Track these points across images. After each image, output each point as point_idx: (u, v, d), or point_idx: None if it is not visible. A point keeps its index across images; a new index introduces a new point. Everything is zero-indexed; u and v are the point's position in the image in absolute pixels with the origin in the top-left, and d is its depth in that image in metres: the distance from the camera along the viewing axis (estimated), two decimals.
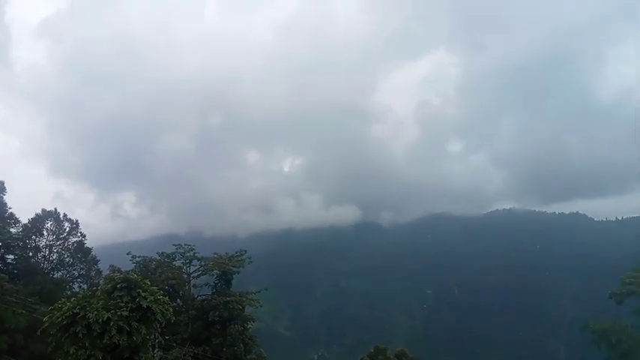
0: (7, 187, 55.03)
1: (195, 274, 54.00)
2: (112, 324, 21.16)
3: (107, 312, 21.44)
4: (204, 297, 51.45)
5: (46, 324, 21.55)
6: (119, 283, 23.18)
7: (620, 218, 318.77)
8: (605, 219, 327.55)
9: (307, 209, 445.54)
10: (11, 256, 49.98)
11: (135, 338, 21.76)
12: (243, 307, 48.55)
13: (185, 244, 55.21)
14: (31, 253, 52.11)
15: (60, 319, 20.93)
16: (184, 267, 54.14)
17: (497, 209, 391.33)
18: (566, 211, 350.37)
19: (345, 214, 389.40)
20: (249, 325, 48.91)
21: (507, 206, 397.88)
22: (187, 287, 53.15)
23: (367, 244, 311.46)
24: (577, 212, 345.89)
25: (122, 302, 22.31)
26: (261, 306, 52.24)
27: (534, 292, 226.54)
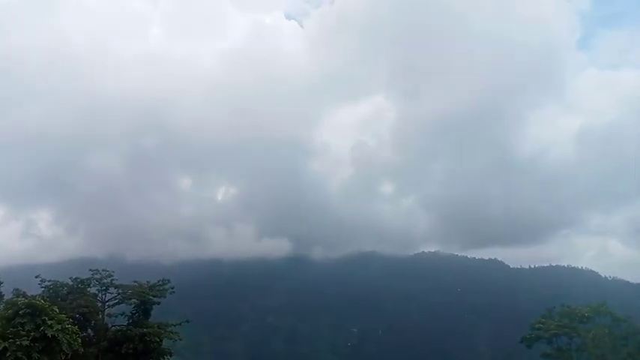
0: None
1: (112, 303, 50.87)
2: (8, 354, 19.31)
3: (4, 341, 19.57)
4: (118, 327, 48.38)
5: None
6: (22, 309, 21.39)
7: (532, 266, 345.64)
8: (519, 266, 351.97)
9: (238, 240, 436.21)
10: None
11: None
12: (161, 340, 46.10)
13: (103, 270, 52.03)
14: None
15: None
16: (100, 294, 50.89)
17: (423, 251, 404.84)
18: (485, 257, 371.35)
19: (276, 247, 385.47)
20: None
21: (433, 249, 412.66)
22: (101, 316, 49.78)
23: (296, 279, 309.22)
24: (495, 258, 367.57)
25: (24, 330, 20.48)
26: (180, 339, 49.96)
27: (453, 333, 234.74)
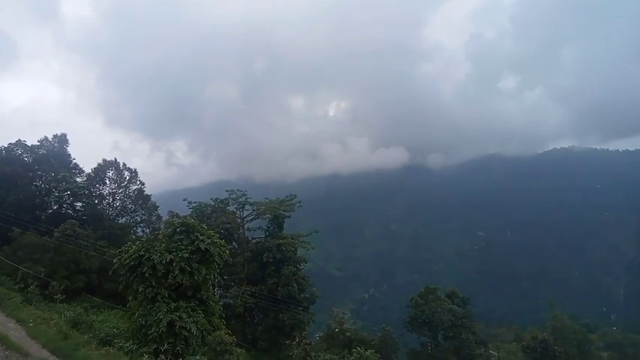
0: (69, 140, 58.07)
1: (249, 219, 55.80)
2: (174, 265, 22.30)
3: (169, 254, 22.55)
4: (257, 240, 53.28)
5: (116, 265, 23.01)
6: (178, 227, 24.14)
7: None
8: None
9: (354, 153, 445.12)
10: (79, 204, 53.44)
11: (196, 278, 22.91)
12: (295, 249, 49.98)
13: (237, 190, 56.87)
14: (96, 201, 55.40)
15: (128, 261, 22.26)
16: (238, 212, 56.00)
17: (554, 148, 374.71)
18: (631, 148, 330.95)
19: (393, 157, 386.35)
20: (302, 266, 50.46)
21: (566, 145, 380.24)
22: (241, 231, 55.18)
23: (415, 187, 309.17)
24: None
25: (182, 245, 23.33)
26: (312, 248, 53.59)
27: (591, 232, 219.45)
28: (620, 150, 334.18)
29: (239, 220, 55.26)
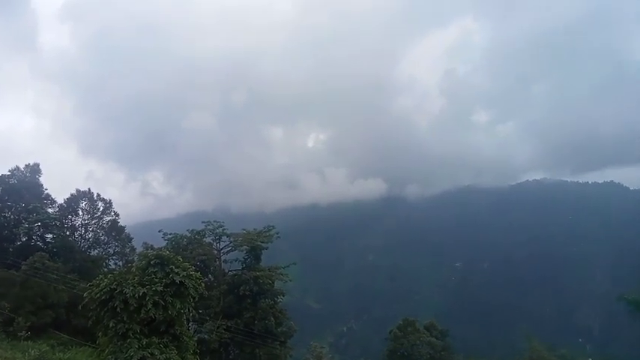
0: (41, 169, 56.89)
1: (225, 250, 54.97)
2: (147, 299, 21.81)
3: (142, 287, 22.08)
4: (234, 272, 52.43)
5: (86, 299, 22.37)
6: (152, 259, 23.75)
7: None
8: None
9: (332, 184, 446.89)
10: (50, 235, 51.96)
11: (170, 312, 22.41)
12: (273, 282, 49.33)
13: (214, 221, 56.15)
14: (68, 232, 53.95)
15: (98, 295, 21.67)
16: (214, 243, 55.15)
17: (526, 180, 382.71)
18: (600, 181, 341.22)
19: (371, 188, 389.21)
20: (279, 299, 49.73)
21: (537, 177, 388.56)
22: (218, 263, 54.25)
23: (393, 218, 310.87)
24: (611, 181, 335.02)
25: (156, 278, 22.89)
26: (290, 280, 52.96)
27: (566, 264, 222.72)
28: (590, 182, 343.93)
29: (215, 252, 54.39)
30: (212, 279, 52.26)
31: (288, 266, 54.45)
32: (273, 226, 56.10)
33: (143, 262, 24.26)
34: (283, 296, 51.12)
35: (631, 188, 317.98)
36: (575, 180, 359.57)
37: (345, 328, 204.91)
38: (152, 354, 20.32)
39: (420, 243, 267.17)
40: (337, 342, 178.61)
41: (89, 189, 56.93)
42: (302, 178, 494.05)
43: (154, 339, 21.56)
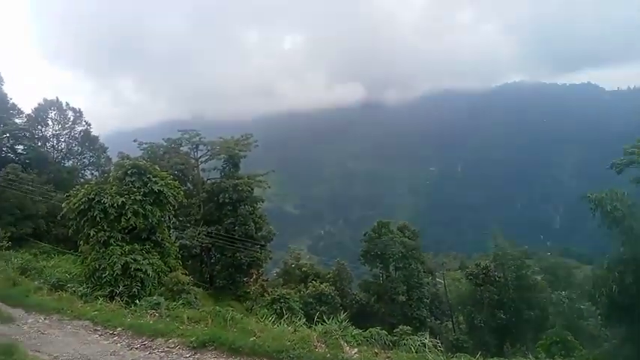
0: (4, 78, 53.73)
1: (203, 159, 54.84)
2: (127, 207, 21.96)
3: (121, 197, 22.14)
4: (213, 180, 52.79)
5: (65, 210, 22.42)
6: (129, 169, 23.53)
7: (632, 87, 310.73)
8: (617, 88, 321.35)
9: (310, 90, 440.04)
10: (20, 147, 50.63)
11: (150, 220, 22.74)
12: (252, 189, 50.05)
13: (190, 130, 55.29)
14: (39, 143, 52.61)
15: (77, 205, 21.67)
16: (191, 152, 54.82)
17: (506, 82, 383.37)
18: (577, 82, 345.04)
19: (350, 93, 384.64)
20: (259, 206, 50.77)
21: (517, 79, 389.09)
22: (196, 172, 54.37)
23: (372, 124, 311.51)
24: (588, 82, 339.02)
25: (134, 187, 22.87)
26: (269, 187, 53.86)
27: (537, 164, 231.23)
28: (567, 84, 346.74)
29: (193, 161, 54.25)
30: (191, 188, 52.72)
31: (266, 173, 55.06)
32: (251, 135, 55.70)
33: (120, 171, 24.04)
34: (262, 202, 52.19)
35: (607, 89, 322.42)
36: (554, 82, 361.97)
37: (322, 232, 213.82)
38: (135, 259, 20.92)
39: (397, 148, 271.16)
40: (315, 244, 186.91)
41: (57, 98, 54.62)
42: (279, 84, 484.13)
43: (136, 245, 22.09)
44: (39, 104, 53.36)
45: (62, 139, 54.75)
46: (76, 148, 55.17)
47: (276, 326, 11.28)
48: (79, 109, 55.37)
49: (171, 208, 24.64)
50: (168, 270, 23.40)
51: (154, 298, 15.26)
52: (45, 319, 12.44)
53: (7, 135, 48.95)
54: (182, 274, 23.72)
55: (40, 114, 53.16)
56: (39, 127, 53.36)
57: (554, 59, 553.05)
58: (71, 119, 54.58)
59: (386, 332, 12.71)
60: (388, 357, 9.19)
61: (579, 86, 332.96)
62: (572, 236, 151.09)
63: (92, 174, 54.66)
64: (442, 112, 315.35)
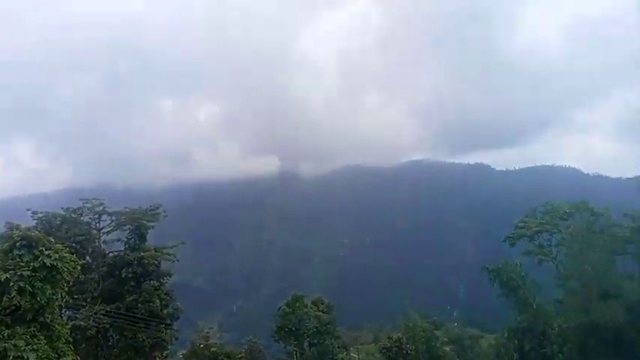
0: None
1: (107, 230, 51.10)
2: (11, 285, 19.70)
3: (5, 272, 19.86)
4: (116, 253, 49.15)
5: None
6: (18, 241, 21.46)
7: (518, 168, 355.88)
8: (505, 168, 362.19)
9: (225, 160, 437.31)
10: None
11: (39, 299, 20.46)
12: (159, 262, 47.23)
13: (93, 199, 51.76)
14: None
15: None
16: (93, 222, 50.94)
17: (408, 160, 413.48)
18: (472, 162, 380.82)
19: (264, 165, 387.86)
20: (166, 280, 47.77)
21: (419, 157, 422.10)
22: (97, 243, 50.33)
23: (287, 196, 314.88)
24: (481, 162, 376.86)
25: (22, 262, 20.72)
26: (177, 260, 51.03)
27: (441, 238, 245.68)
28: (463, 163, 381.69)
29: (95, 232, 50.30)
30: (90, 261, 48.41)
31: (175, 245, 52.30)
32: (160, 205, 53.35)
33: (6, 244, 21.78)
34: (170, 277, 49.14)
35: (497, 169, 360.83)
36: (451, 161, 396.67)
37: (234, 307, 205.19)
38: (16, 345, 18.41)
39: (311, 220, 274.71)
40: (227, 321, 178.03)
41: None
42: (193, 153, 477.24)
43: (19, 329, 19.55)
44: None
45: None
46: None
47: None
48: None
49: (65, 284, 22.43)
50: (57, 356, 20.82)
51: None
52: None
53: None
54: None
55: None
56: None
57: (451, 140, 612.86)
58: None
59: None
60: None
61: (473, 165, 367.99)
62: (477, 305, 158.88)
63: None
64: (353, 185, 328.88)
